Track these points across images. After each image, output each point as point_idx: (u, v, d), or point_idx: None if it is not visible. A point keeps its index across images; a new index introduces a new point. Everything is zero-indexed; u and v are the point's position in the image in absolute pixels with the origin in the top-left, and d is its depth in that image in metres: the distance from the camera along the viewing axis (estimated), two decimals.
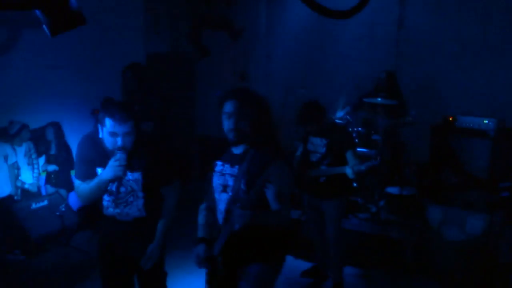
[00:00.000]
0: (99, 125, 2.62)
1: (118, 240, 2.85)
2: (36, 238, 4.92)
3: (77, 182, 2.77)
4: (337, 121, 5.51)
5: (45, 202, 5.19)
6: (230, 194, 2.50)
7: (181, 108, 7.87)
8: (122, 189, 2.71)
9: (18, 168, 5.20)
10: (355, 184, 5.28)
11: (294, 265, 4.57)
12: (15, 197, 5.14)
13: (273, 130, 2.59)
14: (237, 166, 2.50)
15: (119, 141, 2.55)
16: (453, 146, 5.55)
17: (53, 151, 5.51)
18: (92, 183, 2.63)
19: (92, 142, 2.70)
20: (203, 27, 7.85)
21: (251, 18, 7.70)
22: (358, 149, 5.34)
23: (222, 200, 2.56)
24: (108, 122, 2.55)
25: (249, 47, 7.72)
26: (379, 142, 5.11)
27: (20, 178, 5.23)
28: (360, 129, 5.56)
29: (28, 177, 5.31)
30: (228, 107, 2.49)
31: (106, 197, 2.76)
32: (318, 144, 4.00)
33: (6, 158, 4.99)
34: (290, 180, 2.52)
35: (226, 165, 2.57)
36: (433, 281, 4.36)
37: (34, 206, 5.07)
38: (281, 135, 6.08)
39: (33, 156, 5.36)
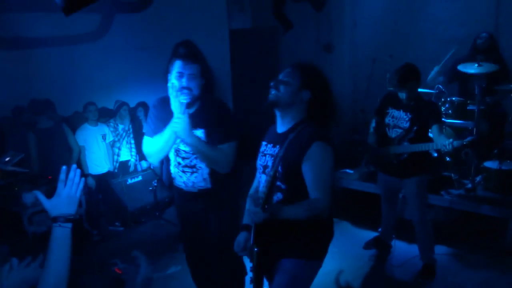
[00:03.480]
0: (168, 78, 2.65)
1: (188, 213, 2.92)
2: (132, 211, 5.31)
3: (145, 139, 2.83)
4: (427, 90, 5.16)
5: (140, 178, 5.55)
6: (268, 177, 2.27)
7: (265, 84, 7.89)
8: (187, 149, 2.74)
9: (117, 147, 5.57)
10: (448, 159, 4.94)
11: (358, 235, 4.59)
12: (114, 172, 5.53)
13: (329, 109, 2.32)
14: (278, 147, 2.29)
15: (184, 81, 2.57)
16: None
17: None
18: (158, 136, 2.68)
19: (164, 103, 2.73)
20: None
21: None
22: (453, 121, 5.00)
23: (262, 182, 2.39)
24: (176, 63, 2.60)
25: (334, 17, 7.44)
26: (476, 112, 4.67)
27: (118, 155, 5.61)
28: (454, 98, 5.14)
29: (125, 155, 5.67)
30: (282, 74, 2.33)
31: (173, 161, 2.82)
32: (402, 118, 3.70)
33: (104, 137, 5.36)
34: (331, 164, 2.19)
35: (269, 145, 2.37)
36: None
37: (129, 181, 5.44)
38: (365, 107, 5.87)
39: (131, 135, 5.69)
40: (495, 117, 5.12)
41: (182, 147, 2.77)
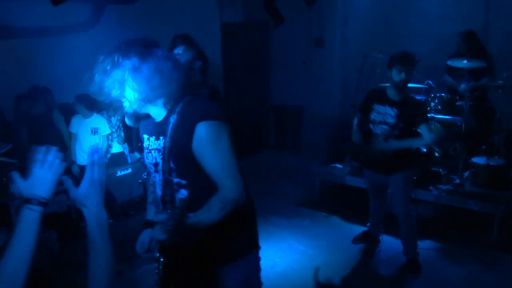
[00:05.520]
0: None
1: None
2: (121, 203, 5.29)
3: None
4: (416, 85, 5.20)
5: (129, 170, 5.52)
6: (162, 176, 1.96)
7: (255, 77, 7.89)
8: None
9: (109, 139, 5.52)
10: (437, 154, 4.99)
11: (347, 230, 4.62)
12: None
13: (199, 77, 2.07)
14: (161, 138, 1.93)
15: None
16: None
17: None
18: None
19: None
20: None
21: None
22: (442, 116, 5.05)
23: (157, 182, 2.02)
24: None
25: (325, 12, 7.44)
26: (465, 108, 4.72)
27: (110, 147, 5.56)
28: (443, 94, 5.19)
29: (117, 147, 5.63)
30: None
31: None
32: (388, 114, 3.64)
33: (95, 130, 5.31)
34: (227, 142, 1.85)
35: (151, 138, 2.00)
36: None
37: (119, 173, 5.41)
38: (355, 102, 5.88)
39: (121, 127, 5.65)
40: (483, 113, 5.18)
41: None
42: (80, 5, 5.53)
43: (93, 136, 5.28)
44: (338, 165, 5.49)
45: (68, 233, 4.71)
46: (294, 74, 7.75)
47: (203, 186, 1.89)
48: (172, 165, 1.90)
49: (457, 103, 5.07)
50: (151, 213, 2.14)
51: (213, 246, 2.02)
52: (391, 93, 3.66)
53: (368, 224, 4.44)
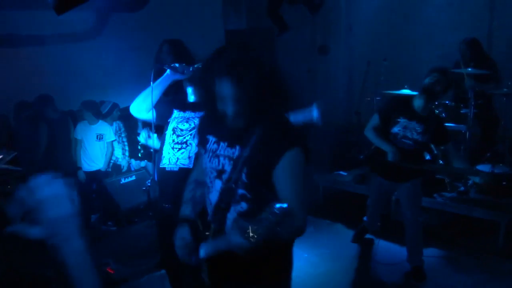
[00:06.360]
0: None
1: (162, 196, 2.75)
2: (125, 211, 5.29)
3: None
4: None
5: (133, 178, 5.53)
6: (225, 184, 1.91)
7: None
8: (185, 127, 2.71)
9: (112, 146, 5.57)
10: (441, 161, 4.97)
11: (351, 237, 4.61)
12: (108, 171, 5.52)
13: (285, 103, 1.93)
14: (237, 147, 1.88)
15: None
16: None
17: (140, 129, 5.81)
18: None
19: None
20: (282, 1, 7.73)
21: None
22: (446, 124, 5.03)
23: (215, 189, 1.96)
24: None
25: (329, 20, 7.49)
26: (469, 116, 4.71)
27: (113, 155, 5.60)
28: (448, 102, 5.18)
29: (118, 154, 5.66)
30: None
31: (168, 139, 2.75)
32: (413, 129, 3.53)
33: (101, 137, 5.36)
34: (304, 174, 1.85)
35: (222, 144, 1.94)
36: None
37: (123, 181, 5.42)
38: (359, 109, 5.89)
39: (123, 134, 5.69)
40: (487, 121, 5.17)
41: (180, 125, 2.74)
42: (84, 14, 5.58)
43: (98, 142, 5.33)
44: (342, 173, 5.47)
45: None
46: (299, 81, 7.76)
47: (265, 203, 1.77)
48: (244, 177, 1.86)
49: (461, 111, 5.06)
50: (187, 210, 2.07)
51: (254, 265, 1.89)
52: (421, 105, 3.54)
53: (365, 218, 4.40)
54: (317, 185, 5.66)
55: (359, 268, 4.16)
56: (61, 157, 5.16)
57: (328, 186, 5.63)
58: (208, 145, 1.99)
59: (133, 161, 5.74)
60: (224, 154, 1.92)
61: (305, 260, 4.26)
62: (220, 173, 1.92)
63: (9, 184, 4.41)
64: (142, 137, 3.10)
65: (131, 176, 5.52)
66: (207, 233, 1.94)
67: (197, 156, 2.25)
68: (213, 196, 1.96)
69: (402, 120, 3.56)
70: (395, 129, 3.59)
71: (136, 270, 3.99)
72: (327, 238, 4.74)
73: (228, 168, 1.89)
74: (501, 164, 4.79)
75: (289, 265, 2.08)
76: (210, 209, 2.00)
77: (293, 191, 1.81)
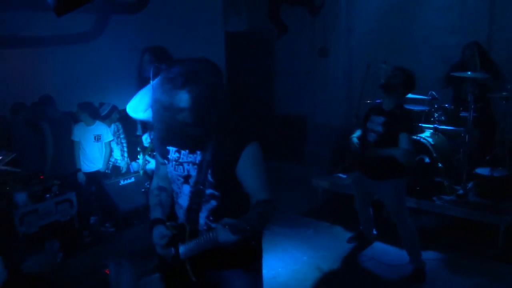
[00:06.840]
0: None
1: None
2: (124, 213, 5.27)
3: None
4: (420, 96, 5.19)
5: (132, 179, 5.52)
6: (194, 187, 2.08)
7: (259, 87, 7.91)
8: None
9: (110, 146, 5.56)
10: (440, 165, 4.97)
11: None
12: (106, 172, 5.51)
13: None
14: (198, 152, 2.06)
15: None
16: None
17: (138, 131, 5.80)
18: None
19: None
20: (282, 2, 7.74)
21: None
22: (446, 127, 5.04)
23: (183, 193, 2.13)
24: None
25: (329, 22, 7.49)
26: (469, 119, 4.71)
27: (112, 156, 5.60)
28: (447, 105, 5.18)
29: (117, 156, 5.65)
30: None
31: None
32: (376, 122, 3.80)
33: (98, 138, 5.35)
34: (264, 162, 2.05)
35: (183, 152, 2.11)
36: None
37: (122, 182, 5.40)
38: (358, 112, 5.92)
39: (121, 136, 5.68)
40: (487, 124, 5.17)
41: None
42: (84, 16, 5.58)
43: (96, 143, 5.33)
44: (341, 175, 5.47)
45: (71, 242, 4.71)
46: (298, 84, 7.77)
47: (234, 197, 2.06)
48: (210, 178, 2.04)
49: (460, 114, 5.06)
50: (158, 213, 2.18)
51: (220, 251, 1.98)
52: (386, 102, 3.81)
53: (361, 228, 4.57)
54: (316, 188, 5.66)
55: (359, 270, 4.16)
56: (63, 156, 5.18)
57: (328, 189, 5.63)
58: (169, 155, 2.16)
59: (134, 164, 5.73)
60: (187, 161, 2.09)
61: (304, 262, 4.25)
62: (186, 178, 2.11)
63: (8, 186, 4.41)
64: (145, 140, 3.10)
65: (130, 178, 5.51)
66: (182, 235, 2.09)
67: (157, 165, 2.35)
68: (183, 200, 2.14)
69: (372, 117, 3.89)
70: (367, 125, 3.92)
71: (134, 273, 3.98)
72: (327, 240, 4.74)
73: (193, 172, 2.08)
74: (500, 168, 4.78)
75: (260, 244, 2.25)
76: (181, 213, 2.17)
77: (259, 181, 2.02)
